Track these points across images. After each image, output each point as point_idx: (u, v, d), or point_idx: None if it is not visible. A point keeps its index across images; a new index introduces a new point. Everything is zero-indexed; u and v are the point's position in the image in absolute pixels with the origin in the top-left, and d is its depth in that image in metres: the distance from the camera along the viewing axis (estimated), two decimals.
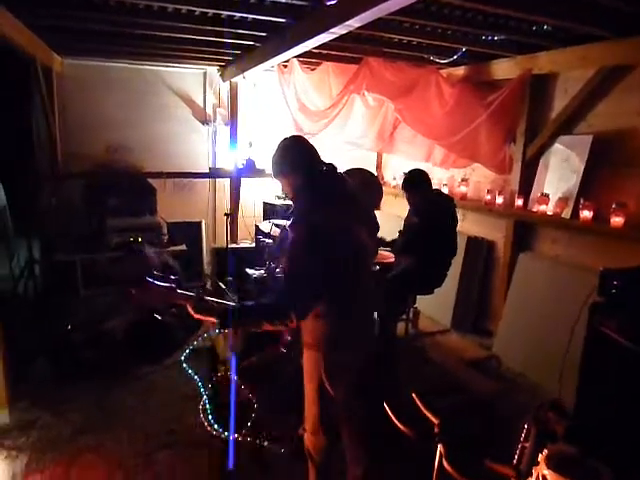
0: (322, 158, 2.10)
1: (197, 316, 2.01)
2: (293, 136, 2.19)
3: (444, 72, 4.91)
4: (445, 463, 1.59)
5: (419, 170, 3.93)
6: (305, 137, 2.22)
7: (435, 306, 4.91)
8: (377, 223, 2.62)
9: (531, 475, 1.40)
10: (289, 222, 2.02)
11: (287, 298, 1.88)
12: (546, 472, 1.30)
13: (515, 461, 1.57)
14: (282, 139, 2.12)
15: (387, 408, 1.99)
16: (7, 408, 3.15)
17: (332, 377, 2.08)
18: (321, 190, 1.98)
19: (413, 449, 2.36)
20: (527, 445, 1.60)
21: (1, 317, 3.09)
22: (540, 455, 1.46)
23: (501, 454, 1.76)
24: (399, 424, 1.85)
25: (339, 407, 2.25)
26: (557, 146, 3.95)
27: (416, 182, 3.84)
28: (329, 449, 2.23)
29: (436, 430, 1.65)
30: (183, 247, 5.26)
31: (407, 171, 3.98)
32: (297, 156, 2.05)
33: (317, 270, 1.85)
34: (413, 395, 1.82)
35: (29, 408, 3.27)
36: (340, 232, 1.96)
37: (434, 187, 4.88)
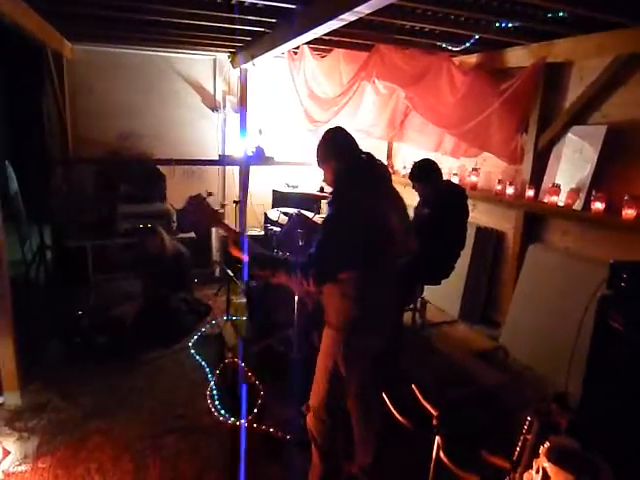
0: (359, 148, 2.25)
1: (234, 250, 2.12)
2: (337, 127, 2.32)
3: (456, 60, 4.83)
4: (442, 455, 1.60)
5: (428, 160, 3.88)
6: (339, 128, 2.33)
7: (443, 296, 4.89)
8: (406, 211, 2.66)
9: (531, 467, 1.40)
10: (328, 200, 2.15)
11: (313, 260, 1.97)
12: (546, 465, 1.30)
13: (517, 453, 1.57)
14: (326, 130, 2.28)
15: (386, 399, 2.00)
16: (19, 390, 3.21)
17: (349, 361, 2.15)
18: (360, 174, 2.14)
19: (412, 440, 2.39)
20: (529, 437, 1.59)
21: (14, 301, 3.13)
22: (541, 447, 1.46)
23: (503, 446, 1.76)
24: (397, 415, 1.86)
25: (351, 392, 2.28)
26: (570, 136, 3.89)
27: (426, 173, 3.79)
28: (333, 433, 2.27)
29: (435, 422, 1.65)
30: (192, 234, 5.28)
31: (416, 161, 3.94)
32: (341, 143, 2.22)
33: (347, 243, 1.98)
34: (413, 387, 1.83)
35: (40, 391, 3.34)
36: (375, 214, 2.09)
37: (444, 177, 4.85)
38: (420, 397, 1.74)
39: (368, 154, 2.25)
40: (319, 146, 2.26)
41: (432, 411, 1.65)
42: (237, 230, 2.20)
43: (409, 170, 4.01)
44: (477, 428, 2.49)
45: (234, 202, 5.51)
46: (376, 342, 2.22)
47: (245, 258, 2.08)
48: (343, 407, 2.33)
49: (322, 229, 2.04)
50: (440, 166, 5.33)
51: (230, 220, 5.92)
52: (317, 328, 2.26)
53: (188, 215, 2.28)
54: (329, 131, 2.28)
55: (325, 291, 2.14)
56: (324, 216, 2.12)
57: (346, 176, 2.14)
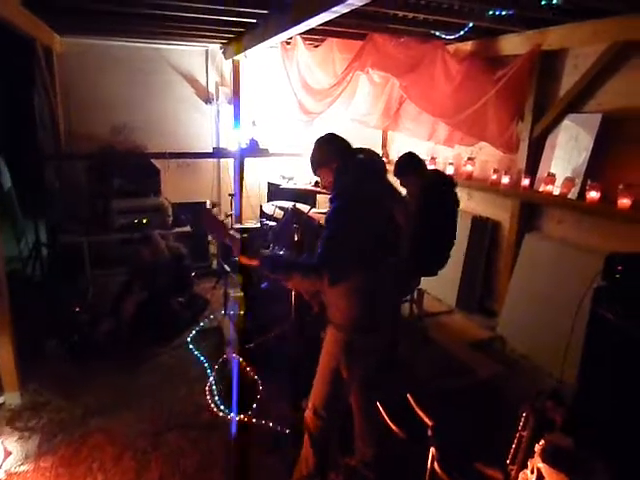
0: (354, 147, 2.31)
1: (241, 258, 2.15)
2: (328, 133, 2.35)
3: (451, 48, 4.80)
4: (437, 466, 1.62)
5: (409, 153, 3.81)
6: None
7: (440, 286, 4.91)
8: (406, 204, 2.68)
9: (527, 467, 1.42)
10: (329, 198, 2.17)
11: (323, 258, 1.97)
12: (541, 465, 1.32)
13: (512, 450, 1.59)
14: (318, 137, 2.32)
15: (380, 408, 2.02)
16: (19, 390, 3.22)
17: (353, 360, 2.16)
18: (358, 169, 2.19)
19: (406, 450, 2.39)
20: (524, 434, 1.61)
21: (11, 299, 3.12)
22: (537, 445, 1.48)
23: (500, 442, 1.78)
24: (392, 425, 1.87)
25: (354, 388, 2.30)
26: (565, 124, 3.87)
27: (406, 166, 3.75)
28: (329, 431, 2.29)
29: (429, 433, 1.67)
30: (188, 228, 5.28)
31: (398, 157, 3.90)
32: (333, 145, 2.26)
33: (352, 236, 2.02)
34: (408, 397, 1.84)
35: (40, 390, 3.34)
36: (376, 207, 2.15)
37: (435, 167, 4.83)
38: (415, 408, 1.76)
39: (365, 151, 2.30)
40: (315, 153, 2.29)
41: (427, 422, 1.67)
42: (241, 238, 2.20)
43: None
44: (465, 440, 2.48)
45: (229, 195, 5.49)
46: (379, 339, 2.24)
47: (255, 263, 2.09)
48: (343, 404, 2.34)
49: (327, 225, 2.04)
50: (435, 156, 5.36)
51: (226, 213, 5.92)
52: (323, 328, 2.26)
53: (207, 228, 2.37)
54: (322, 137, 2.31)
55: (328, 290, 2.13)
56: (326, 211, 2.14)
57: (347, 172, 2.16)
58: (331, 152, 2.24)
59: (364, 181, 2.16)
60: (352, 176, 2.15)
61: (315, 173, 2.34)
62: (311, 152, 2.31)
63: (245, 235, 2.23)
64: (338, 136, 2.30)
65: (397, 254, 2.34)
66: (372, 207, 2.13)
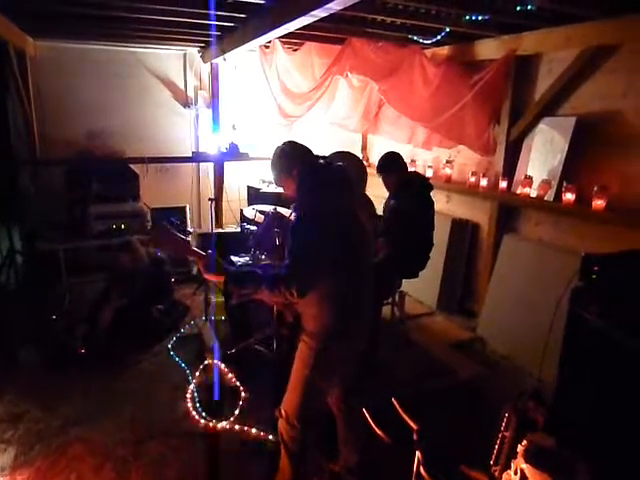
0: (315, 153, 2.26)
1: (207, 275, 2.08)
2: (287, 140, 2.32)
3: (428, 52, 4.84)
4: (422, 470, 1.62)
5: (392, 152, 3.87)
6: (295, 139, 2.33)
7: (421, 288, 4.94)
8: (374, 207, 2.65)
9: (510, 468, 1.43)
10: (293, 206, 2.17)
11: (291, 272, 1.93)
12: (524, 466, 1.33)
13: (495, 450, 1.60)
14: (277, 146, 2.28)
15: (365, 412, 2.01)
16: None
17: (328, 369, 2.12)
18: (319, 176, 2.13)
19: (391, 454, 2.38)
20: (507, 434, 1.63)
21: None
22: (519, 445, 1.49)
23: (482, 441, 1.79)
24: (377, 429, 1.87)
25: (334, 395, 2.28)
26: (541, 127, 3.95)
27: (387, 164, 3.79)
28: (304, 441, 2.19)
29: (415, 437, 1.67)
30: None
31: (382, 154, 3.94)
32: (292, 154, 2.21)
33: (318, 248, 1.97)
34: (393, 400, 1.84)
35: (16, 400, 3.25)
36: (340, 213, 2.09)
37: (415, 170, 4.88)
38: (401, 411, 1.76)
39: (325, 157, 2.25)
40: (274, 162, 2.24)
41: (412, 425, 1.67)
42: (206, 254, 2.11)
43: None
44: (454, 435, 2.50)
45: (209, 199, 5.43)
46: (356, 345, 2.20)
47: (221, 279, 2.03)
48: (321, 411, 2.31)
49: (292, 236, 1.99)
50: (415, 158, 5.40)
51: (205, 218, 5.87)
52: (298, 337, 2.21)
53: (155, 245, 2.24)
54: (280, 146, 2.27)
55: (299, 299, 2.06)
56: (292, 221, 2.08)
57: (305, 181, 2.12)
58: (290, 159, 2.19)
59: (328, 187, 2.11)
60: (312, 185, 2.10)
61: (277, 183, 2.29)
62: (270, 162, 2.27)
63: (209, 252, 2.12)
64: (296, 143, 2.26)
65: (370, 255, 2.30)
66: (340, 213, 2.08)
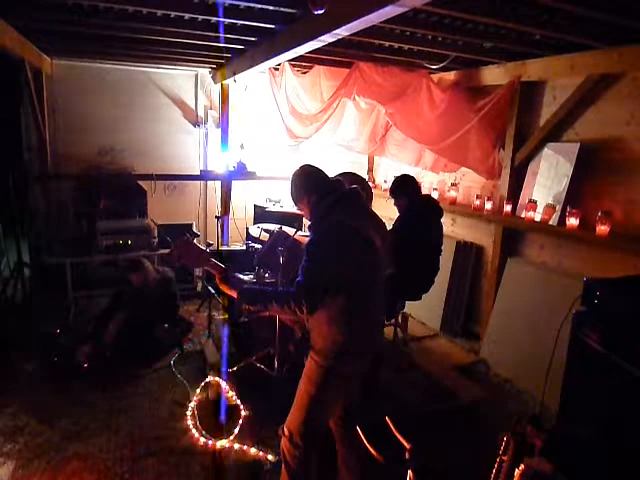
0: (330, 176, 2.34)
1: (222, 286, 2.19)
2: (304, 164, 2.39)
3: (435, 77, 4.93)
4: None
5: (405, 175, 3.93)
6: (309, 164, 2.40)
7: (425, 310, 4.93)
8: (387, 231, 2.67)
9: None
10: (309, 224, 2.21)
11: (302, 288, 1.96)
12: None
13: (493, 475, 1.59)
14: (295, 170, 2.35)
15: (359, 431, 2.00)
16: None
17: (334, 387, 2.12)
18: (334, 198, 2.16)
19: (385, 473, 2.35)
20: (505, 458, 1.62)
21: None
22: (517, 470, 1.48)
23: (480, 468, 1.78)
24: (370, 448, 1.86)
25: (336, 415, 2.27)
26: (545, 153, 3.98)
27: (400, 187, 3.84)
28: (306, 458, 2.16)
29: (407, 456, 1.66)
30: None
31: (395, 176, 3.99)
32: (308, 178, 2.28)
33: (331, 266, 2.01)
34: (387, 420, 1.84)
35: (17, 414, 3.26)
36: (353, 234, 2.12)
37: (425, 191, 4.90)
38: (394, 430, 1.75)
39: (349, 175, 2.29)
40: (293, 186, 2.31)
41: (405, 444, 1.66)
42: (224, 267, 2.20)
43: (389, 184, 4.06)
44: (454, 458, 2.47)
45: (216, 217, 5.49)
46: (363, 365, 2.19)
47: (234, 294, 2.10)
48: (322, 432, 2.29)
49: (306, 255, 2.03)
50: (421, 181, 5.44)
51: (212, 235, 5.91)
52: (306, 353, 2.22)
53: (176, 257, 2.30)
54: (296, 172, 2.33)
55: (309, 317, 2.09)
56: (307, 240, 2.14)
57: (321, 204, 2.18)
58: (306, 183, 2.26)
59: (343, 208, 2.15)
60: (327, 207, 2.15)
61: (296, 205, 2.36)
62: (289, 187, 2.34)
63: (228, 264, 2.19)
64: (312, 169, 2.32)
65: (381, 275, 2.32)
66: (354, 234, 2.12)
